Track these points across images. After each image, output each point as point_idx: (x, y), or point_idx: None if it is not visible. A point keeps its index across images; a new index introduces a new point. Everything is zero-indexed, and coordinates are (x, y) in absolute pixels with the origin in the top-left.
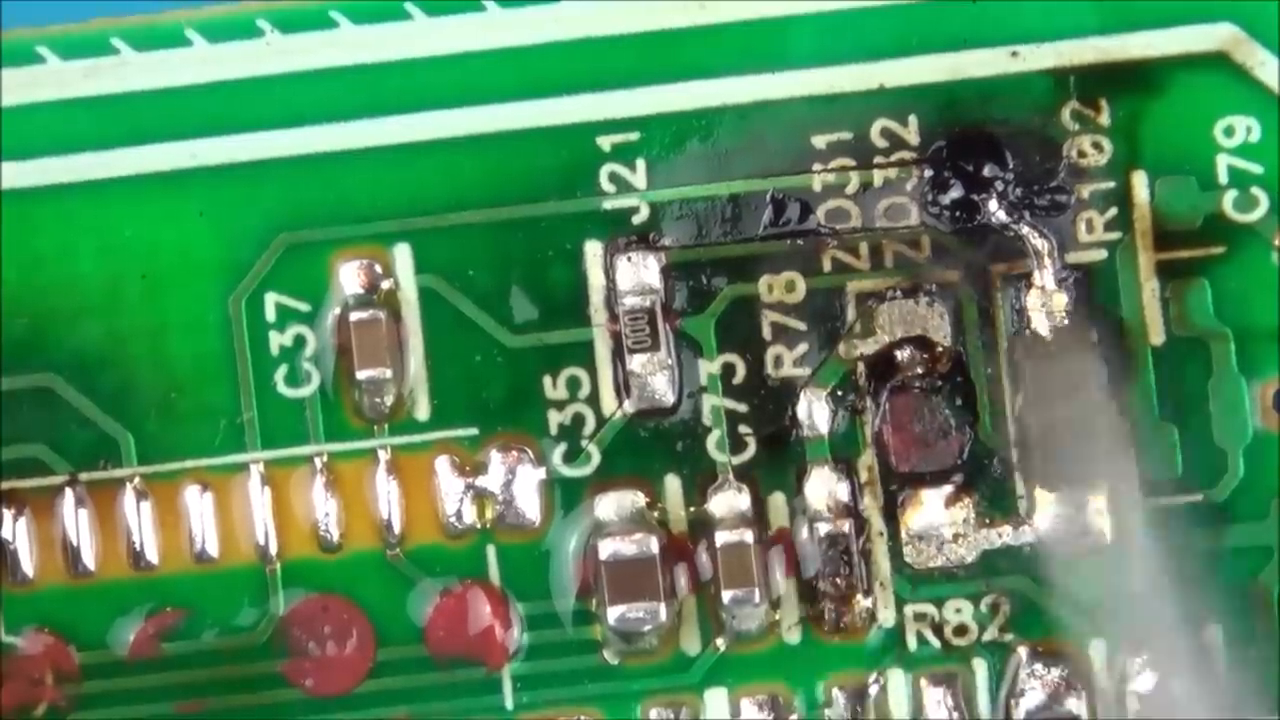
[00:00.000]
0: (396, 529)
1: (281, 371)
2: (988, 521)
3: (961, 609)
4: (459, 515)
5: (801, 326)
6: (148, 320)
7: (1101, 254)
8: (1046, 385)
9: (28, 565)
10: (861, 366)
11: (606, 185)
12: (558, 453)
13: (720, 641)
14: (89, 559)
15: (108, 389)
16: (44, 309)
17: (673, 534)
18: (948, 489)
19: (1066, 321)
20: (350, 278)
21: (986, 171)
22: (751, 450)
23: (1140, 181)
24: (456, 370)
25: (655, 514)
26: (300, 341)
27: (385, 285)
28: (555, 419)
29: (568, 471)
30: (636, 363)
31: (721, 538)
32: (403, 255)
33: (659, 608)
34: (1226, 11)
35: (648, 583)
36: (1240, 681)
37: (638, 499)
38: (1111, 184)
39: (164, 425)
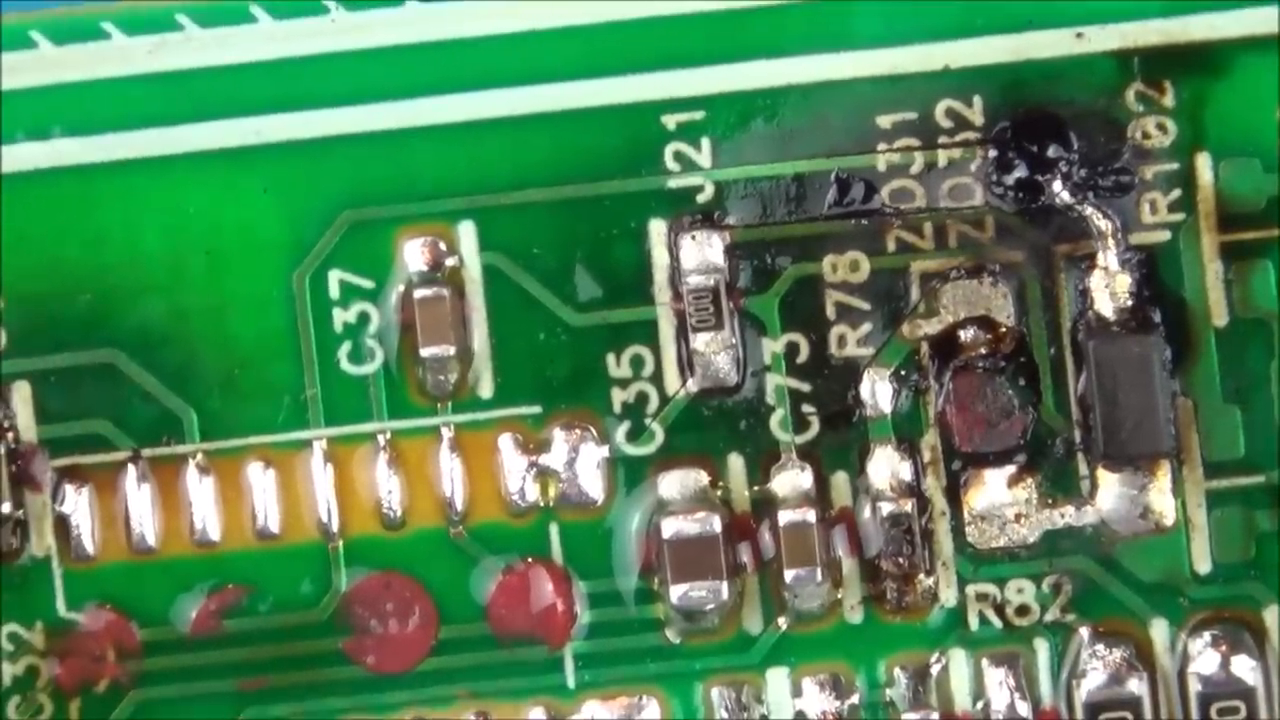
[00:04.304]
0: (459, 507)
1: (345, 349)
2: (1050, 502)
3: (1023, 589)
4: (522, 493)
5: (865, 306)
6: (211, 297)
7: (1165, 235)
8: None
9: (89, 541)
10: (925, 346)
11: (671, 164)
12: (621, 431)
13: (782, 621)
14: (151, 535)
15: (171, 365)
16: (107, 285)
17: (735, 513)
18: (1010, 469)
19: (1130, 302)
20: (414, 255)
21: (1051, 152)
22: (815, 429)
23: (1204, 163)
24: (520, 348)
25: (718, 493)
26: (364, 319)
27: (449, 263)
28: (619, 397)
29: (631, 450)
30: (700, 341)
31: (784, 517)
32: (467, 233)
33: (721, 586)
34: None
35: (710, 561)
36: None
37: (700, 477)
38: (1175, 165)
39: (227, 402)
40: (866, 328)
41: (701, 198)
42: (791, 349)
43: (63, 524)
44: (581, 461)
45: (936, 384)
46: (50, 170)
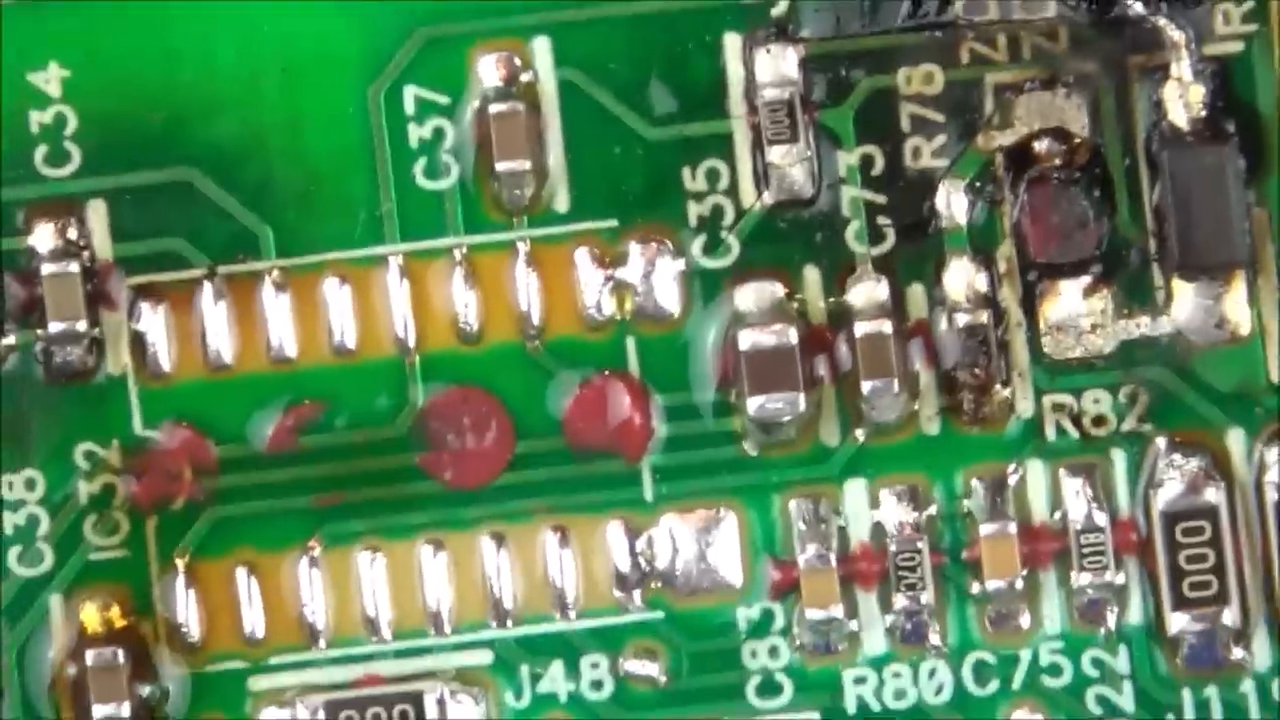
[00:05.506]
0: (536, 321)
1: (420, 164)
2: (1125, 312)
3: (1100, 399)
4: (598, 307)
5: (940, 118)
6: (286, 114)
7: (1238, 46)
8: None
9: (165, 359)
10: (1000, 158)
11: None
12: (697, 244)
13: (859, 432)
14: (227, 352)
15: (247, 183)
16: (181, 104)
17: (811, 325)
18: (1086, 279)
19: (1204, 113)
20: (489, 71)
21: None
22: (890, 241)
23: None
24: (596, 162)
25: (794, 305)
26: (439, 134)
27: (524, 78)
28: (695, 210)
29: (707, 263)
30: (775, 154)
31: (860, 328)
32: (542, 48)
33: (798, 398)
34: None
35: (787, 373)
36: None
37: (777, 290)
38: None
39: (302, 218)
40: (941, 140)
41: (775, 11)
42: (866, 161)
43: (138, 342)
44: (658, 275)
45: (1012, 195)
46: None
